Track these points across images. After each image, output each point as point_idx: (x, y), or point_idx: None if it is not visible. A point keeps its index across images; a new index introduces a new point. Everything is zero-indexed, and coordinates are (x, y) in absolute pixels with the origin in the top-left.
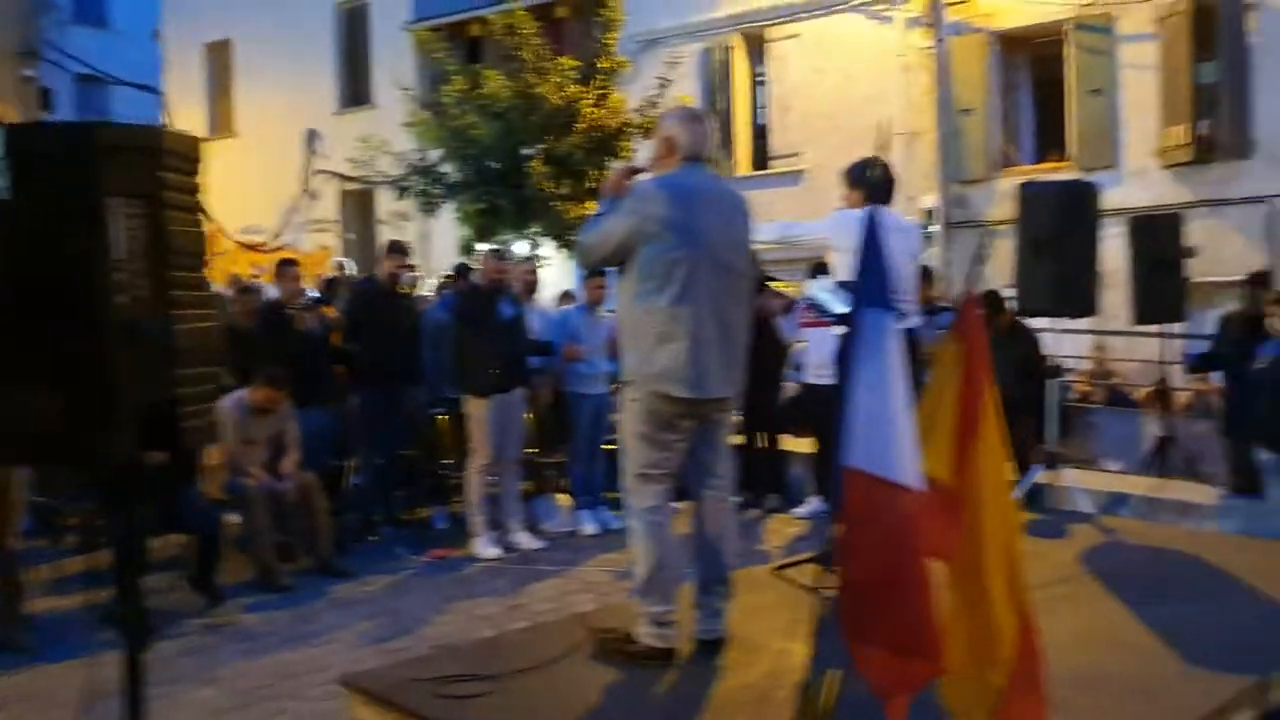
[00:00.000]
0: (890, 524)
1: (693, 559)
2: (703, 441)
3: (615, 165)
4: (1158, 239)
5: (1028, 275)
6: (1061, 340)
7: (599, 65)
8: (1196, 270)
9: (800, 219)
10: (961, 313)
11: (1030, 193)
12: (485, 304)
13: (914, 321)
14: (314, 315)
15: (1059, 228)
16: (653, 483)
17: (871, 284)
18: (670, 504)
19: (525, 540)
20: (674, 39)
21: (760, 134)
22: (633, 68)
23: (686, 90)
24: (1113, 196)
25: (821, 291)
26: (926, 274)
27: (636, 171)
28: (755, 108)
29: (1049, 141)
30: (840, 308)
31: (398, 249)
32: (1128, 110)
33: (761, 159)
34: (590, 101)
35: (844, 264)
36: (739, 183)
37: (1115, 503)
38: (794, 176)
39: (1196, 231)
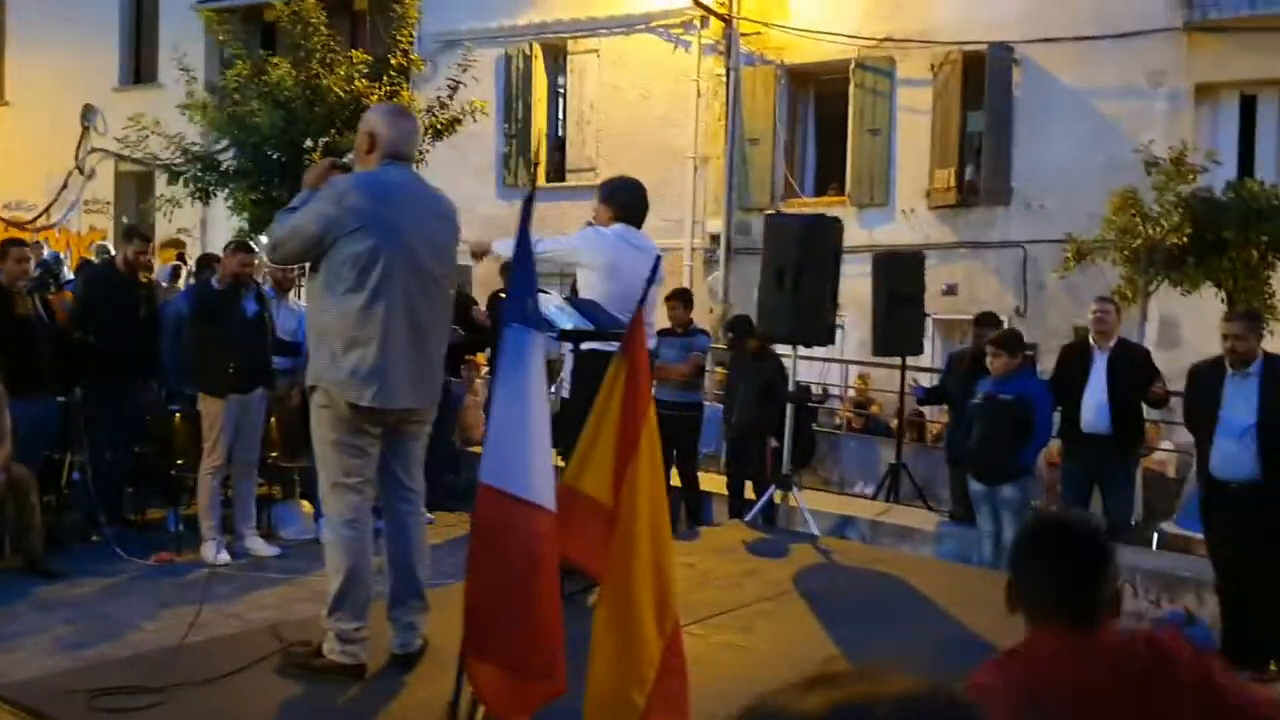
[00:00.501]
0: (517, 542)
1: (387, 573)
2: (393, 453)
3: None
4: (900, 275)
5: (770, 303)
6: (831, 369)
7: (391, 62)
8: (955, 308)
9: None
10: (628, 331)
11: (775, 224)
12: (226, 299)
13: (649, 344)
14: (39, 300)
15: (801, 259)
16: (350, 493)
17: (516, 299)
18: (370, 516)
19: (259, 546)
20: (474, 42)
21: (559, 146)
22: (429, 68)
23: (483, 96)
24: (883, 233)
25: (550, 307)
26: (686, 297)
27: (343, 166)
28: (554, 119)
29: (829, 176)
30: (565, 324)
31: (137, 234)
32: (901, 151)
33: (559, 171)
34: (378, 97)
35: (588, 281)
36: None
37: (843, 525)
38: (590, 191)
39: (958, 271)
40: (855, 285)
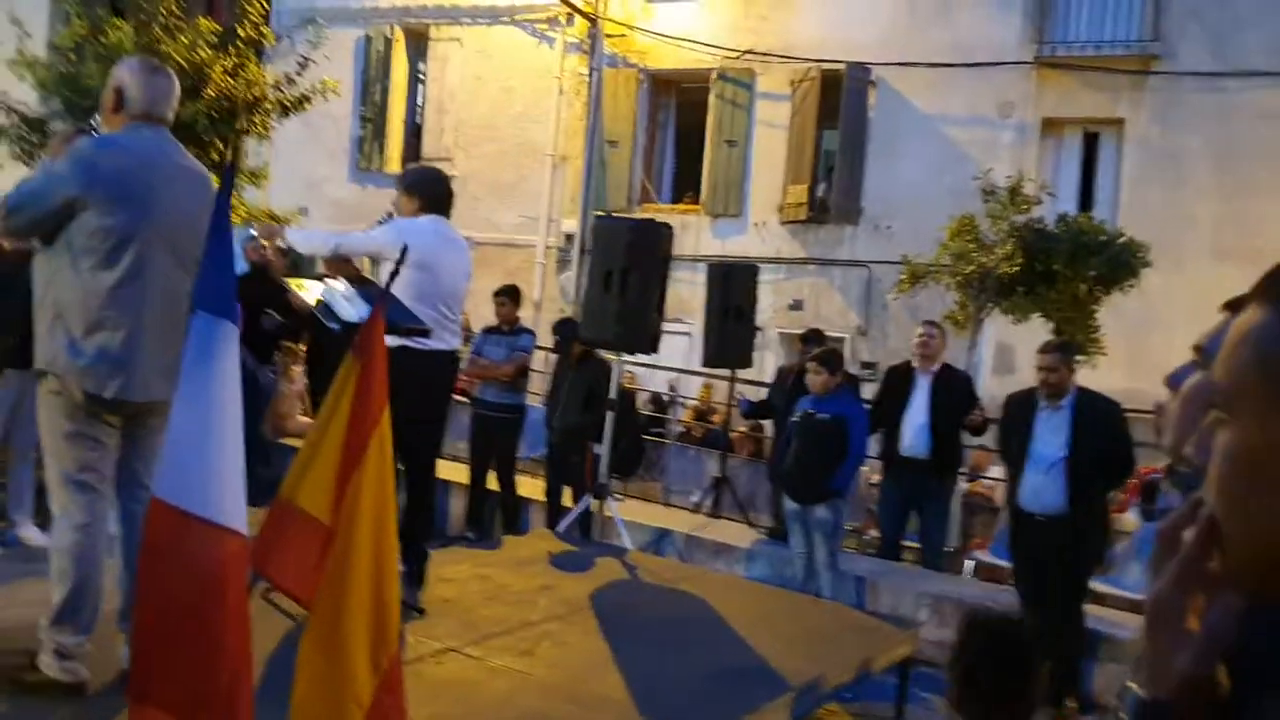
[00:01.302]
0: (193, 568)
1: (120, 578)
2: (133, 447)
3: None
4: (733, 287)
5: (595, 307)
6: (682, 378)
7: (238, 33)
8: (800, 323)
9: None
10: (364, 330)
11: (604, 226)
12: (6, 269)
13: (454, 342)
14: None
15: (629, 264)
16: (84, 492)
17: (207, 284)
18: (104, 519)
19: (33, 536)
20: (334, 21)
21: (415, 133)
22: (286, 44)
23: (341, 76)
24: (735, 244)
25: (335, 295)
26: (514, 294)
27: (89, 128)
28: (412, 105)
29: (686, 183)
30: (349, 315)
31: None
32: (757, 164)
33: (414, 158)
34: (221, 69)
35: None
36: (390, 179)
37: (660, 539)
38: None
39: (805, 287)
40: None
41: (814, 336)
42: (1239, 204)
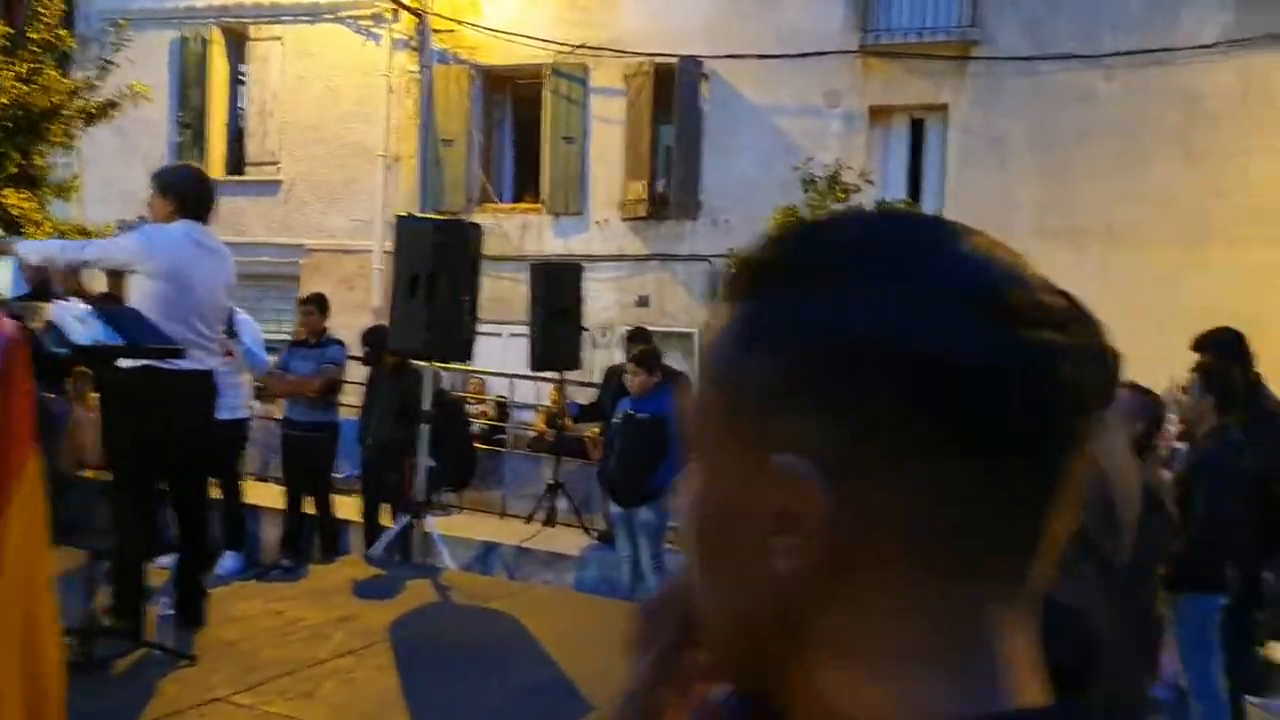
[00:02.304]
0: None
1: None
2: None
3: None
4: (556, 286)
5: (402, 315)
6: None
7: (31, 37)
8: (646, 320)
9: (275, 234)
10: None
11: (408, 227)
12: None
13: (210, 361)
14: None
15: (436, 267)
16: None
17: None
18: None
19: None
20: (145, 22)
21: (238, 137)
22: (96, 47)
23: (156, 80)
24: (578, 242)
25: (67, 316)
26: (321, 303)
27: None
28: (234, 108)
29: (526, 182)
30: (80, 338)
31: None
32: (595, 160)
33: (237, 163)
34: (13, 75)
35: (145, 289)
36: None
37: (486, 554)
38: (271, 186)
39: (649, 284)
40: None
41: (638, 335)
42: (1059, 185)
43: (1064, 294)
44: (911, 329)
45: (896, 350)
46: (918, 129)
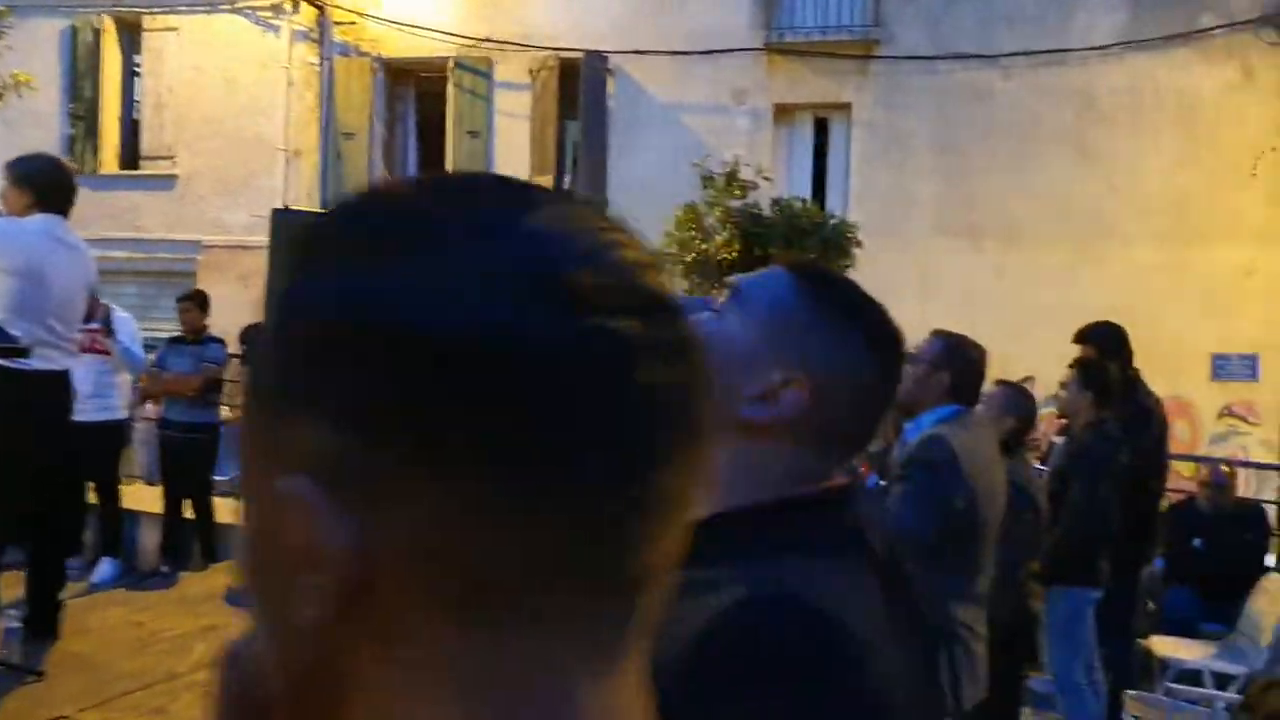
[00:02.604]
0: None
1: None
2: None
3: None
4: None
5: None
6: None
7: None
8: None
9: (171, 229)
10: None
11: (284, 221)
12: None
13: (65, 361)
14: None
15: None
16: None
17: None
18: None
19: None
20: (32, 10)
21: (133, 130)
22: None
23: (45, 70)
24: None
25: None
26: (201, 300)
27: None
28: (129, 100)
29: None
30: None
31: None
32: (501, 156)
33: (132, 157)
34: None
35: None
36: (105, 181)
37: None
38: (167, 180)
39: None
40: None
41: None
42: (957, 183)
43: (656, 282)
44: (434, 310)
45: (414, 335)
46: (822, 127)
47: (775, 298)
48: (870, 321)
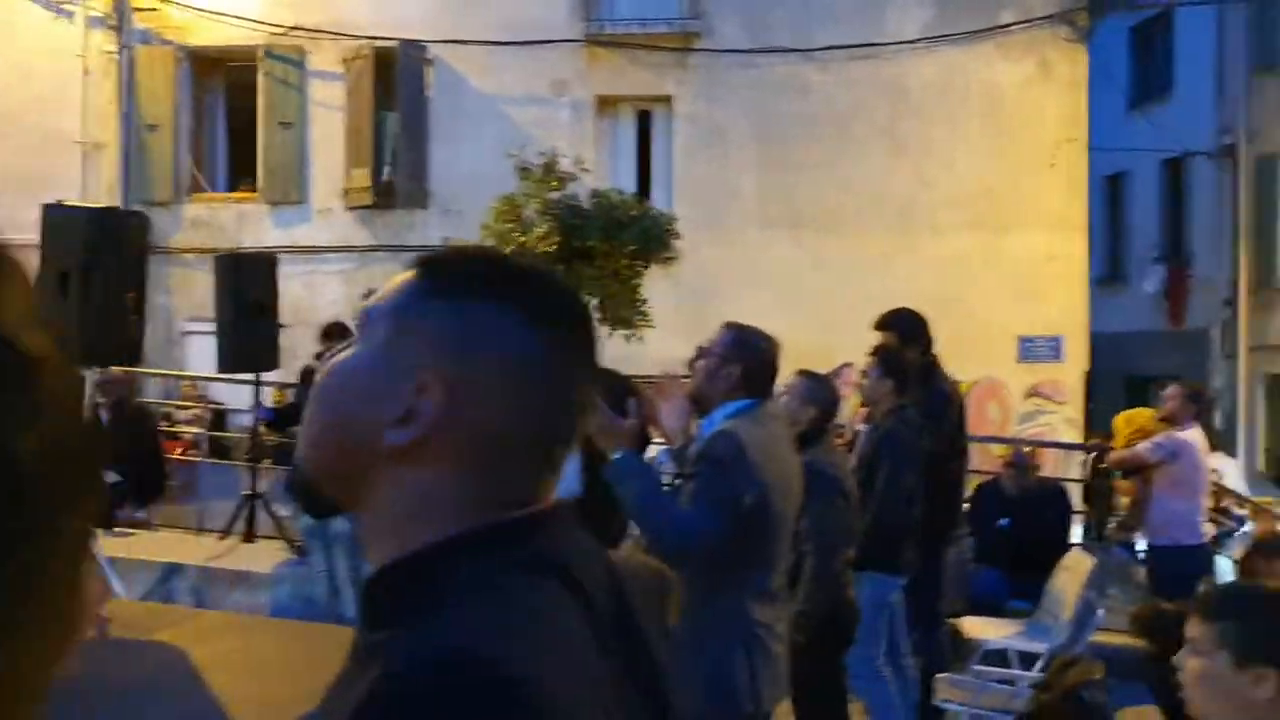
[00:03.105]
0: None
1: None
2: None
3: None
4: (248, 281)
5: (52, 314)
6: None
7: None
8: None
9: None
10: None
11: (55, 218)
12: None
13: None
14: None
15: (90, 261)
16: None
17: None
18: None
19: None
20: None
21: None
22: None
23: None
24: (300, 233)
25: None
26: None
27: None
28: None
29: (242, 170)
30: None
31: None
32: (316, 147)
33: None
34: None
35: None
36: None
37: (169, 575)
38: None
39: (378, 275)
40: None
41: (336, 331)
42: (778, 176)
43: None
44: None
45: None
46: (645, 120)
47: (397, 304)
48: (524, 292)
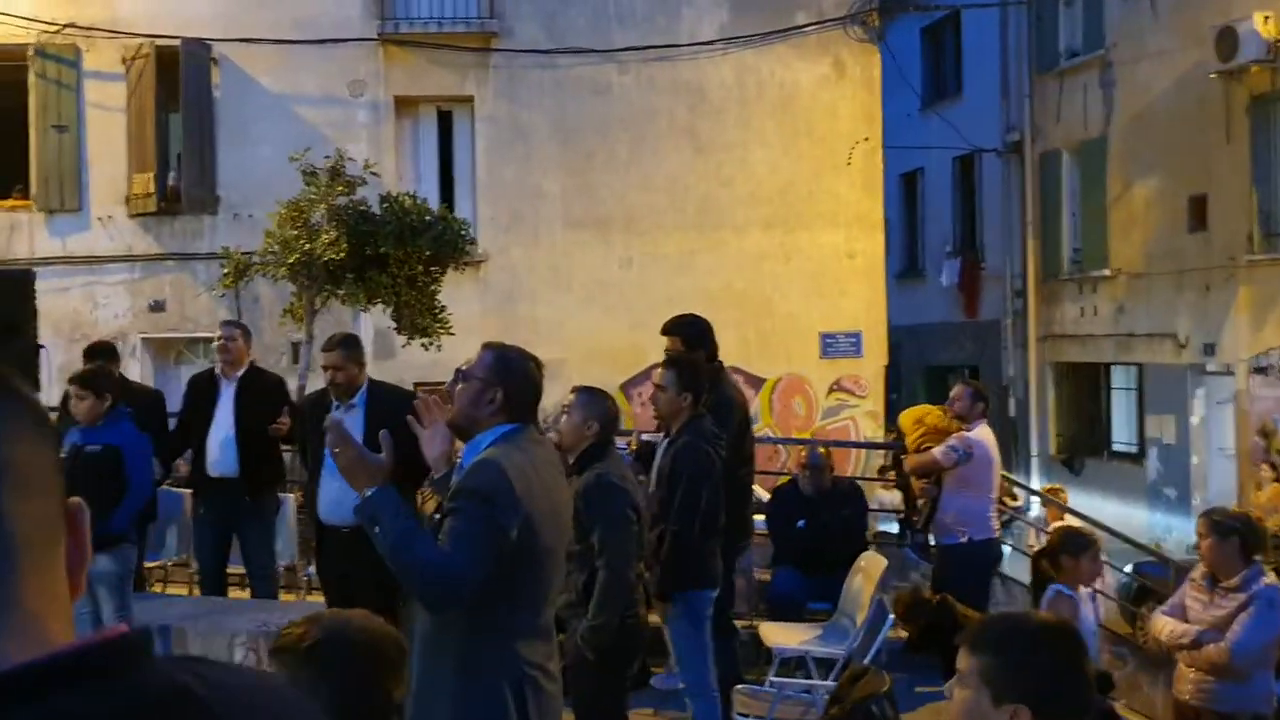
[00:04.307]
0: None
1: None
2: None
3: None
4: (2, 297)
5: None
6: None
7: None
8: (165, 325)
9: None
10: None
11: None
12: None
13: None
14: None
15: None
16: None
17: None
18: None
19: None
20: None
21: None
22: None
23: None
24: (78, 242)
25: None
26: None
27: None
28: None
29: (13, 176)
30: None
31: None
32: (94, 151)
33: None
34: None
35: None
36: None
37: None
38: None
39: (166, 285)
40: (46, 304)
41: (101, 350)
42: (582, 176)
43: None
44: None
45: None
46: (446, 120)
47: None
48: None
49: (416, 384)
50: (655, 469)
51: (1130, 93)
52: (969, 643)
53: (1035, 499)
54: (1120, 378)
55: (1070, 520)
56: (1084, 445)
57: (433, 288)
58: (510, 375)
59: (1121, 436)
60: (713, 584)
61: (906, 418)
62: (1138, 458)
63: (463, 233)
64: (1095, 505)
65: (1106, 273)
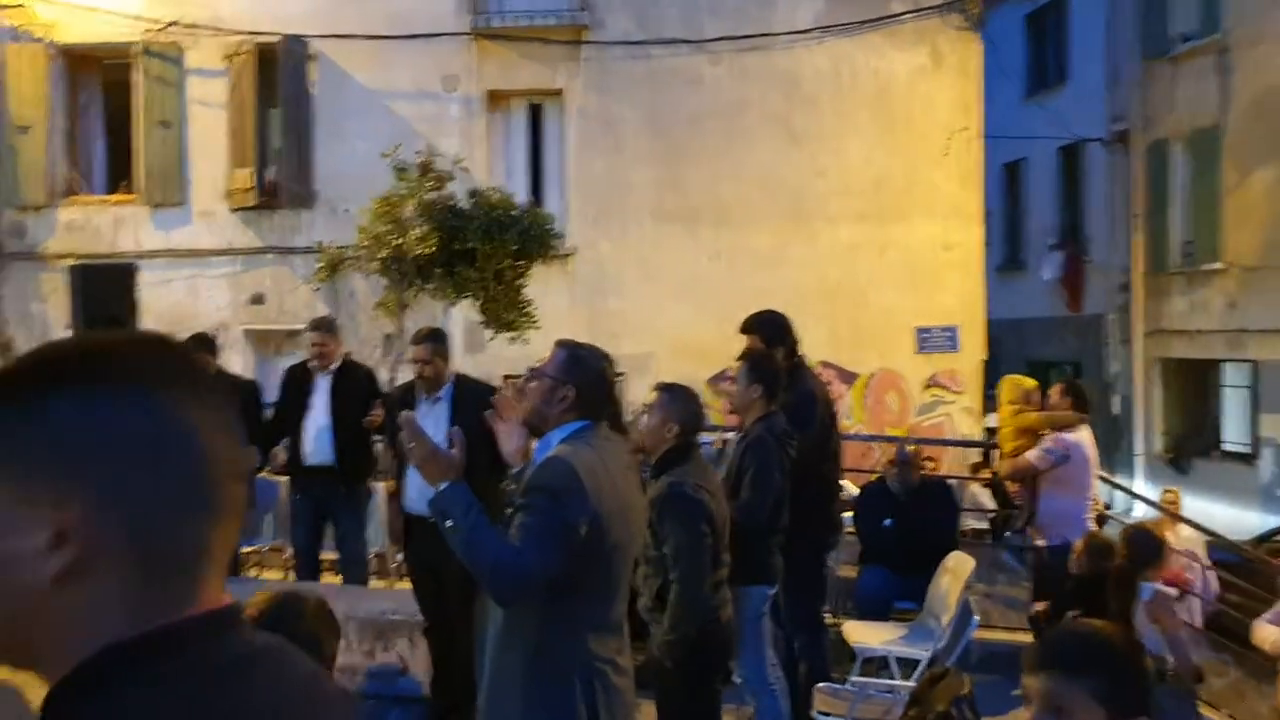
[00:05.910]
0: None
1: None
2: None
3: None
4: (101, 291)
5: None
6: None
7: None
8: (264, 317)
9: None
10: None
11: None
12: None
13: None
14: None
15: None
16: None
17: None
18: None
19: None
20: None
21: None
22: None
23: None
24: (181, 236)
25: None
26: None
27: None
28: None
29: (120, 172)
30: None
31: None
32: (196, 147)
33: None
34: None
35: None
36: None
37: None
38: None
39: (265, 278)
40: (150, 296)
41: (199, 341)
42: (672, 168)
43: None
44: None
45: None
46: (537, 114)
47: None
48: (120, 368)
49: (506, 377)
50: (727, 465)
51: (1248, 77)
52: (1049, 665)
53: (1138, 502)
54: (1232, 375)
55: (1176, 529)
56: (1192, 445)
57: (519, 282)
58: (582, 373)
59: (1233, 435)
60: (769, 581)
61: (1010, 388)
62: (1250, 458)
63: (548, 227)
64: (1204, 508)
65: (1218, 266)
